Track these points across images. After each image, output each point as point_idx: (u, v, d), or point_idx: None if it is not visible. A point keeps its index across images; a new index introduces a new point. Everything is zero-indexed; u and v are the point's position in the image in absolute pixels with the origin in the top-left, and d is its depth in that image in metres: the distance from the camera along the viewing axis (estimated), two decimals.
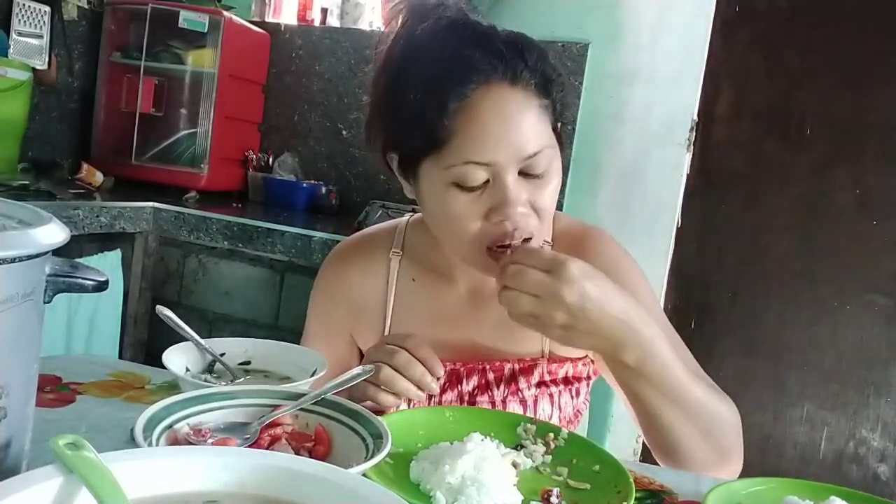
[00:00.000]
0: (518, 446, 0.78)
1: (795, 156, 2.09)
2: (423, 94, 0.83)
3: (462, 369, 0.97)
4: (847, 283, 2.04)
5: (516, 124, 0.82)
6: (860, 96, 2.03)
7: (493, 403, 0.97)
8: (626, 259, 1.02)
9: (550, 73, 0.86)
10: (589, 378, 1.02)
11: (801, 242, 2.09)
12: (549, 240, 1.01)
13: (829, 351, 2.07)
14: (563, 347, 0.97)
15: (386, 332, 1.01)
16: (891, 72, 2.01)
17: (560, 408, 0.98)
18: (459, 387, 0.97)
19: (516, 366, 0.97)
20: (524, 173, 0.84)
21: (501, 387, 0.97)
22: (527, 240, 0.85)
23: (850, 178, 2.04)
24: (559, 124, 0.91)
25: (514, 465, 0.72)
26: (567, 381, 0.99)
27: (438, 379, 0.85)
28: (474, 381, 0.97)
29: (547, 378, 0.97)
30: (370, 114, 0.93)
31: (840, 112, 2.04)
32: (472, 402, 0.97)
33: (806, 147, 2.08)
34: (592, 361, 1.01)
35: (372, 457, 0.62)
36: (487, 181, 0.83)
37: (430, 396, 0.89)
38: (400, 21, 0.89)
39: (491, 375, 0.97)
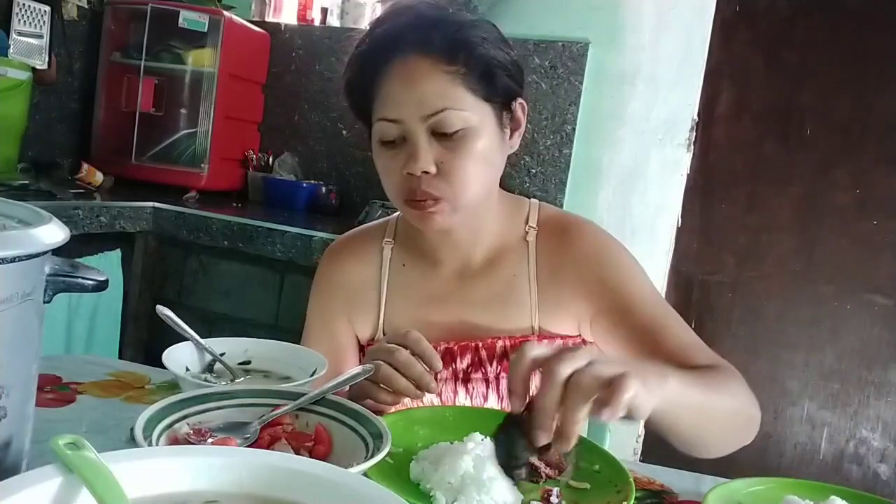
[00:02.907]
0: None
1: (795, 156, 2.09)
2: (360, 66, 0.97)
3: (455, 347, 1.00)
4: (847, 283, 2.04)
5: (419, 86, 0.91)
6: (860, 96, 2.03)
7: (486, 380, 1.00)
8: (609, 241, 1.04)
9: (465, 43, 0.92)
10: None
11: (801, 242, 2.09)
12: (535, 225, 1.04)
13: (829, 351, 2.07)
14: (553, 324, 1.00)
15: (381, 316, 1.06)
16: (891, 72, 2.01)
17: None
18: (454, 365, 1.00)
19: (507, 343, 1.00)
20: (437, 134, 0.92)
21: (494, 363, 1.00)
22: (436, 199, 0.92)
23: (850, 178, 2.04)
24: (514, 100, 0.98)
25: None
26: None
27: (438, 375, 0.86)
28: (468, 359, 1.00)
29: None
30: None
31: (840, 112, 2.04)
32: (467, 380, 1.00)
33: (806, 147, 2.08)
34: (585, 342, 1.02)
35: (372, 457, 0.62)
36: (404, 139, 0.93)
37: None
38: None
39: (483, 353, 1.00)
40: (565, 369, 0.62)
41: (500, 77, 0.94)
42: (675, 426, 0.79)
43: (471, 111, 0.92)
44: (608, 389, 0.61)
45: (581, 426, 0.63)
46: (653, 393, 0.66)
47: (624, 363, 0.67)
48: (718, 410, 0.84)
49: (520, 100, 0.99)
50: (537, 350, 0.66)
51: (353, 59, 0.99)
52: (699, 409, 0.79)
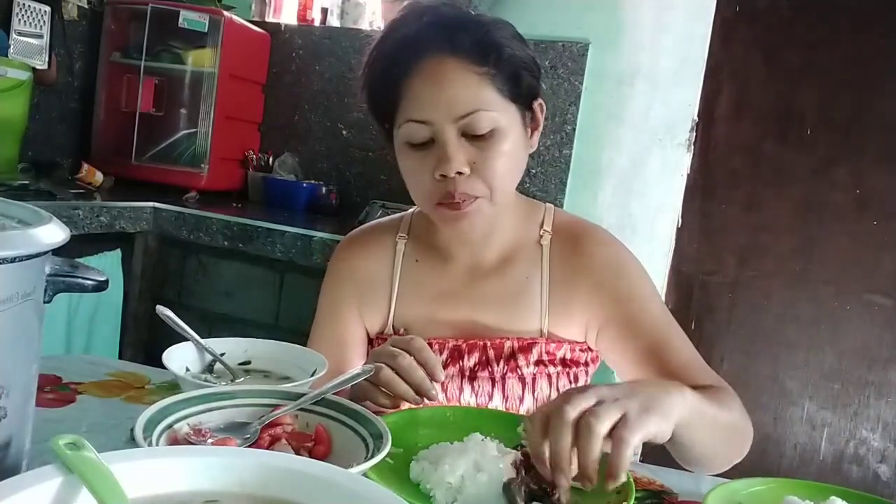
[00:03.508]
0: (518, 446, 0.78)
1: (795, 156, 2.09)
2: (383, 66, 0.95)
3: (463, 345, 1.01)
4: (847, 283, 2.04)
5: (449, 87, 0.90)
6: (860, 96, 2.03)
7: (493, 379, 1.01)
8: (624, 253, 1.05)
9: (495, 45, 0.92)
10: (587, 365, 1.04)
11: (801, 242, 2.09)
12: (549, 230, 1.05)
13: (829, 351, 2.07)
14: (561, 328, 1.01)
15: (391, 310, 1.06)
16: (891, 71, 2.00)
17: (558, 390, 1.00)
18: (461, 362, 1.01)
19: (516, 343, 1.00)
20: (467, 135, 0.91)
21: (501, 363, 1.00)
22: (474, 198, 0.92)
23: (850, 178, 2.04)
24: (534, 100, 0.98)
25: (517, 466, 0.72)
26: (565, 363, 1.01)
27: (441, 383, 0.86)
28: (475, 357, 1.01)
29: (545, 358, 1.00)
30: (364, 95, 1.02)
31: (840, 112, 2.04)
32: (473, 378, 1.01)
33: (806, 147, 2.08)
34: (590, 349, 1.03)
35: (372, 457, 0.62)
36: (433, 141, 0.92)
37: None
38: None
39: (491, 352, 1.00)
40: (573, 410, 0.64)
41: (526, 77, 0.95)
42: (691, 439, 0.79)
43: (499, 112, 0.92)
44: (610, 448, 0.63)
45: (597, 464, 0.63)
46: (669, 417, 0.68)
47: (632, 393, 0.68)
48: (724, 426, 0.85)
49: (539, 100, 0.99)
50: (545, 406, 0.68)
51: (374, 60, 0.97)
52: (711, 423, 0.80)
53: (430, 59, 0.91)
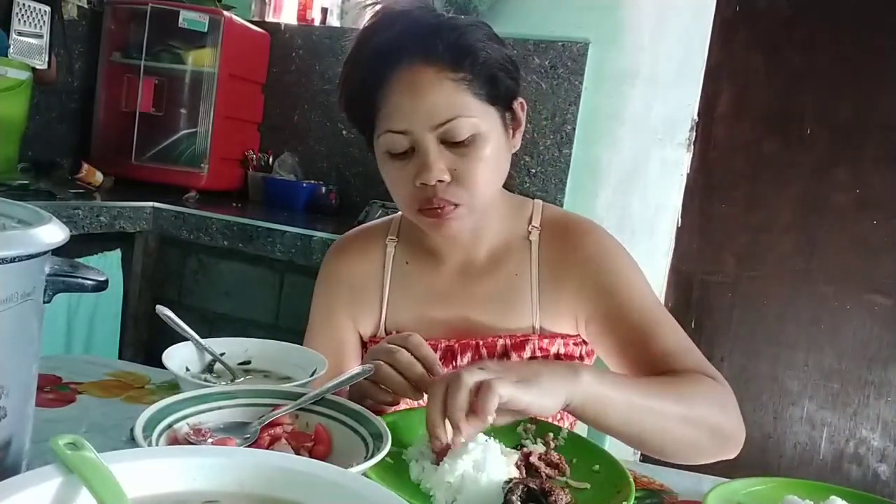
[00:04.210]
0: (518, 446, 0.78)
1: (795, 156, 2.09)
2: (359, 76, 0.95)
3: (456, 345, 1.01)
4: (847, 283, 2.04)
5: (426, 95, 0.90)
6: (860, 96, 2.03)
7: None
8: (610, 246, 1.04)
9: (469, 49, 0.91)
10: (582, 359, 1.04)
11: (801, 242, 2.09)
12: (538, 225, 1.05)
13: (829, 351, 2.07)
14: (553, 323, 1.01)
15: (383, 314, 1.06)
16: (891, 72, 2.01)
17: None
18: (454, 363, 1.01)
19: (508, 341, 1.00)
20: (446, 142, 0.91)
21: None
22: (455, 205, 0.92)
23: (850, 178, 2.04)
24: (514, 100, 0.98)
25: (518, 466, 0.72)
26: (559, 358, 1.01)
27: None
28: (468, 356, 1.01)
29: (539, 355, 1.00)
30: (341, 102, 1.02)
31: (840, 112, 2.05)
32: None
33: (806, 147, 2.08)
34: (585, 342, 1.03)
35: (372, 457, 0.62)
36: (413, 149, 0.92)
37: None
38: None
39: (484, 351, 1.00)
40: (441, 385, 0.72)
41: (503, 79, 0.94)
42: (601, 420, 0.80)
43: (479, 117, 0.91)
44: (476, 397, 0.69)
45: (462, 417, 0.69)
46: (549, 395, 0.73)
47: (513, 367, 0.76)
48: (660, 413, 0.82)
49: (519, 99, 0.99)
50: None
51: (350, 69, 0.97)
52: (635, 409, 0.80)
53: (404, 68, 0.90)
